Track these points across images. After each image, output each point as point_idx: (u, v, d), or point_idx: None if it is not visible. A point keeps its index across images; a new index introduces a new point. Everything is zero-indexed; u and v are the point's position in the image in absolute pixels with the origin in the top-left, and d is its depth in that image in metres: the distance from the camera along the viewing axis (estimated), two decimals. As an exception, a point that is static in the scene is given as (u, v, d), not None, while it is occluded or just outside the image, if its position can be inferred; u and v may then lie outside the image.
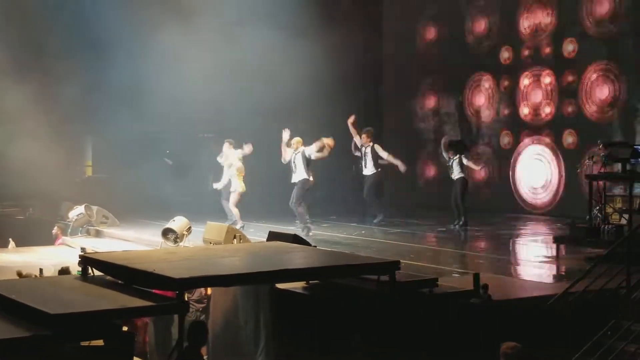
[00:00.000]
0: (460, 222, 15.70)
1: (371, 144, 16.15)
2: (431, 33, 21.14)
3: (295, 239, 9.75)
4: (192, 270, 7.41)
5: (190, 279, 6.88)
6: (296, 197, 14.99)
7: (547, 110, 18.27)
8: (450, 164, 16.10)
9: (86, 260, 7.96)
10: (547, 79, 18.21)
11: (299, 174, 15.09)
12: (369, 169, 16.14)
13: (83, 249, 11.63)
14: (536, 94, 18.47)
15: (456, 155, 16.03)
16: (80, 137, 21.77)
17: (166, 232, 12.46)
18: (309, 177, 15.11)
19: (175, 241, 12.23)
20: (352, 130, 16.41)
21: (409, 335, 7.87)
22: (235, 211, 15.50)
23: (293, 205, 15.01)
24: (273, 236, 10.12)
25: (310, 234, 14.34)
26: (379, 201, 16.62)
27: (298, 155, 15.11)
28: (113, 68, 19.24)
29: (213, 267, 7.74)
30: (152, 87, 18.71)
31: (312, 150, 15.08)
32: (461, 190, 15.86)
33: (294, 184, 15.15)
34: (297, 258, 8.46)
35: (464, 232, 15.37)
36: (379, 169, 16.17)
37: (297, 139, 15.29)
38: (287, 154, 15.36)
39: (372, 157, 16.05)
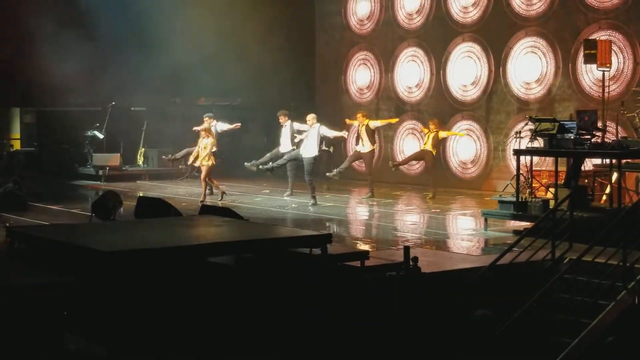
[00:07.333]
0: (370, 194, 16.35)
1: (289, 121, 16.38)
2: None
3: (228, 212, 9.76)
4: (123, 243, 7.38)
5: (120, 252, 6.85)
6: (309, 171, 15.39)
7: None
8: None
9: (14, 235, 7.84)
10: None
11: (310, 149, 15.45)
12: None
13: (9, 223, 11.42)
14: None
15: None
16: (7, 110, 21.36)
17: (96, 206, 12.29)
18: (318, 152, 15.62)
19: (106, 215, 12.07)
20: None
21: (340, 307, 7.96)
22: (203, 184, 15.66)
23: (308, 179, 15.35)
24: (206, 209, 10.12)
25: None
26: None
27: (313, 130, 15.47)
28: (41, 39, 18.93)
29: (144, 241, 7.70)
30: (81, 60, 18.44)
31: (326, 131, 15.59)
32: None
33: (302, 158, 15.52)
34: (229, 231, 8.46)
35: (392, 206, 15.51)
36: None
37: (312, 115, 15.75)
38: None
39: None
